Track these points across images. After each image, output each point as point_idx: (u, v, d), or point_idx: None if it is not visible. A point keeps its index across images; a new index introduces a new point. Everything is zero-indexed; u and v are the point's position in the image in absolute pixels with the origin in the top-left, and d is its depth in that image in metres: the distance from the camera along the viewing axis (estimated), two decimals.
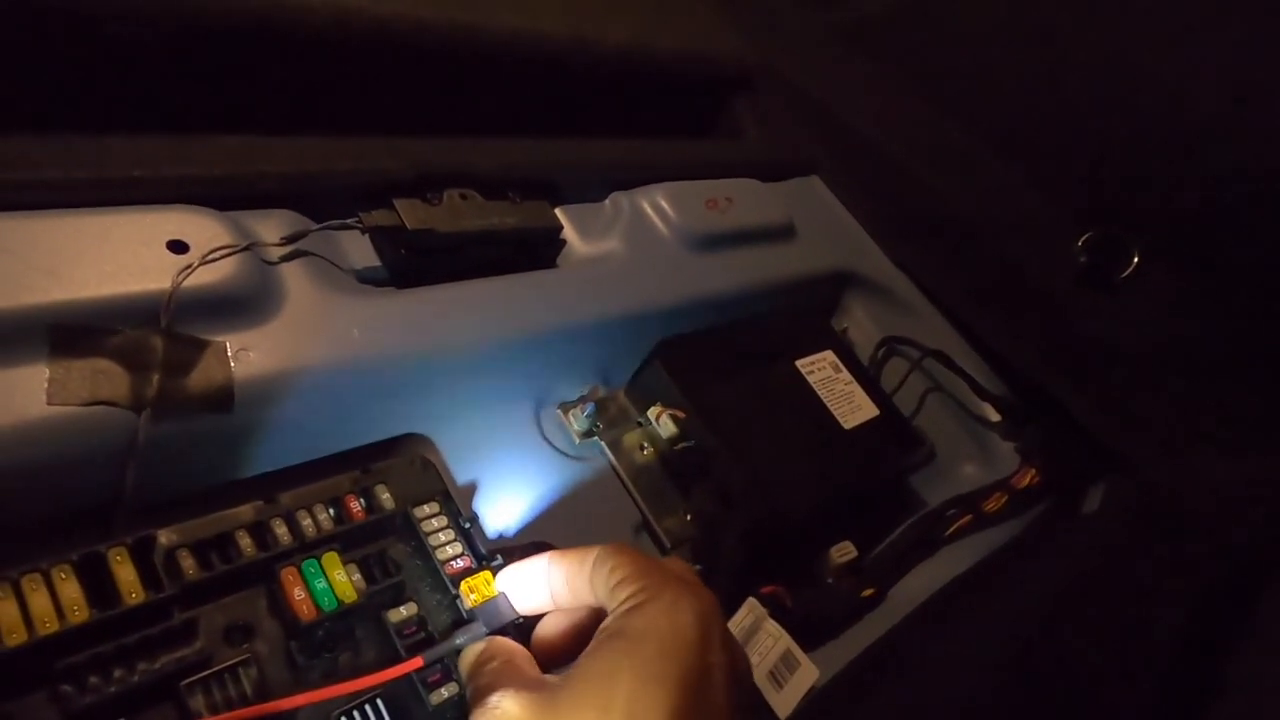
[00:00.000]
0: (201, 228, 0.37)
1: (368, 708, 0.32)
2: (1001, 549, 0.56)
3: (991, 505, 0.58)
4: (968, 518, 0.57)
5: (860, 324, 0.70)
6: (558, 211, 0.54)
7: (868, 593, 0.52)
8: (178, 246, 0.36)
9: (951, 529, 0.57)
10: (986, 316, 0.68)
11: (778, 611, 0.47)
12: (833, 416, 0.56)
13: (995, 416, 0.65)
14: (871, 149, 0.73)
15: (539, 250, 0.53)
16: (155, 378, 0.34)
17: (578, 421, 0.50)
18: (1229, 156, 0.61)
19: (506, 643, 0.34)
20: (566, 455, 0.49)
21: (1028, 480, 0.59)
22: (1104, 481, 0.63)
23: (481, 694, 0.30)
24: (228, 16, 0.46)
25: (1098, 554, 0.55)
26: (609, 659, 0.28)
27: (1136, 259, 0.64)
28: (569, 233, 0.55)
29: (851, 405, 0.58)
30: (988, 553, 0.56)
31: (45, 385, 0.31)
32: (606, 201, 0.58)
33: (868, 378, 0.61)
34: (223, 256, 0.37)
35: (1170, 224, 0.63)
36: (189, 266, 0.36)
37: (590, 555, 0.33)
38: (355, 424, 0.41)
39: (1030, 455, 0.62)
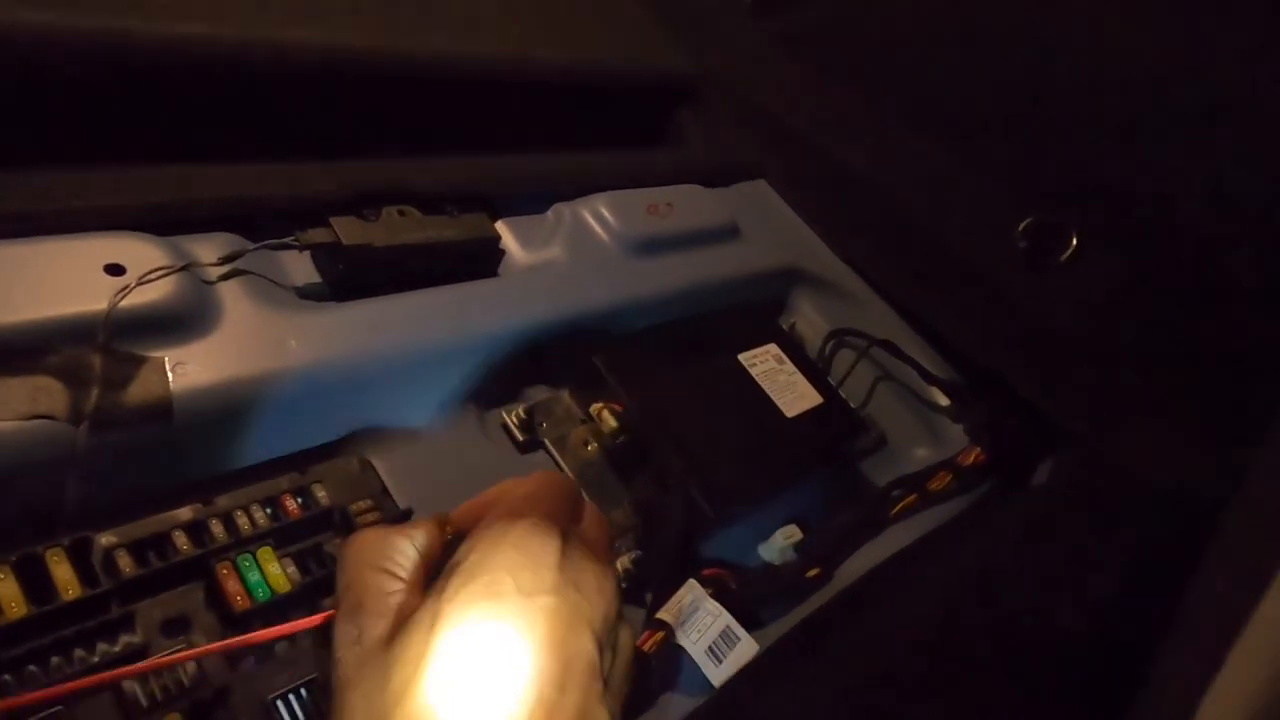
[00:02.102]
0: (139, 252, 0.40)
1: (303, 690, 0.34)
2: (945, 525, 0.58)
3: (936, 484, 0.59)
4: (913, 497, 0.58)
5: (809, 319, 0.72)
6: (500, 224, 0.56)
7: (813, 573, 0.53)
8: (115, 270, 0.38)
9: (897, 509, 0.58)
10: (931, 303, 0.70)
11: (722, 593, 0.48)
12: (774, 405, 0.57)
13: (944, 400, 0.67)
14: (814, 149, 0.76)
15: (479, 262, 0.55)
16: (93, 392, 0.36)
17: (521, 423, 0.51)
18: (1164, 140, 0.63)
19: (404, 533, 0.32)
20: (511, 455, 0.51)
21: (972, 458, 0.61)
22: (1051, 458, 0.64)
23: (365, 601, 0.29)
24: (165, 52, 0.48)
25: (1039, 524, 0.56)
26: (455, 581, 0.28)
27: (1075, 241, 0.66)
28: (511, 244, 0.57)
29: (795, 394, 0.59)
30: (932, 529, 0.57)
31: None
32: (549, 213, 0.60)
33: (812, 368, 0.63)
34: (160, 277, 0.39)
35: (1107, 208, 0.65)
36: (126, 287, 0.38)
37: None
38: (297, 431, 0.43)
39: (977, 434, 0.64)
